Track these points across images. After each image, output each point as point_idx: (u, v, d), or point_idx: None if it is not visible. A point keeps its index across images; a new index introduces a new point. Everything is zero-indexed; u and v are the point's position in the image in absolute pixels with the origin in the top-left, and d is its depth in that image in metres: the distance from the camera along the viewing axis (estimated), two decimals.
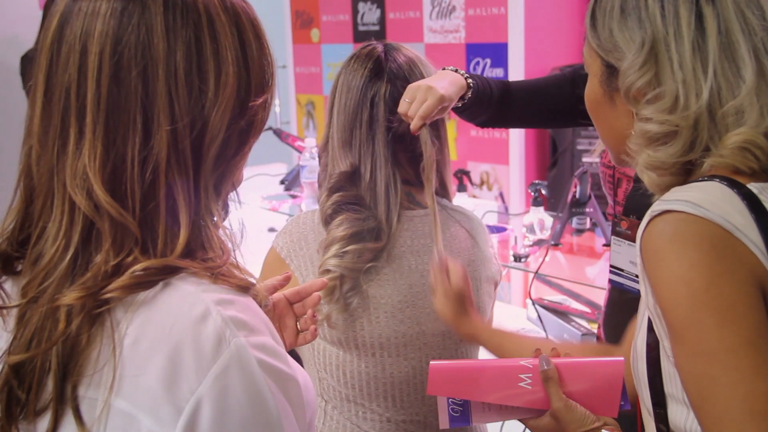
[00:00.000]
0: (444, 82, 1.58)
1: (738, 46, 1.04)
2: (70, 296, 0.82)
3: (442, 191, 1.67)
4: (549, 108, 1.84)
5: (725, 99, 1.03)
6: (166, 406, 0.79)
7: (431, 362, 1.21)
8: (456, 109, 1.72)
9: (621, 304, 1.83)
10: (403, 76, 1.59)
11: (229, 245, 0.91)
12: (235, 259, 0.91)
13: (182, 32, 0.85)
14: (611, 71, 1.12)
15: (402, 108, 1.53)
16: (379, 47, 1.63)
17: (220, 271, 0.86)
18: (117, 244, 0.84)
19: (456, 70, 1.66)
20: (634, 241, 1.69)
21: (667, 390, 1.05)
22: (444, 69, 1.67)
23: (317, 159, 1.69)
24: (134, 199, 0.84)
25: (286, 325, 1.31)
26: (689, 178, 1.07)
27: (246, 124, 0.91)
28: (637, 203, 1.75)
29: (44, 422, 0.85)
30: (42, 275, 0.85)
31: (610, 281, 1.87)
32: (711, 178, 1.02)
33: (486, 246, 1.68)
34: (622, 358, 1.20)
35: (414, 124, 1.51)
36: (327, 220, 1.56)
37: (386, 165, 1.55)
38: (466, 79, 1.65)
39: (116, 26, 0.84)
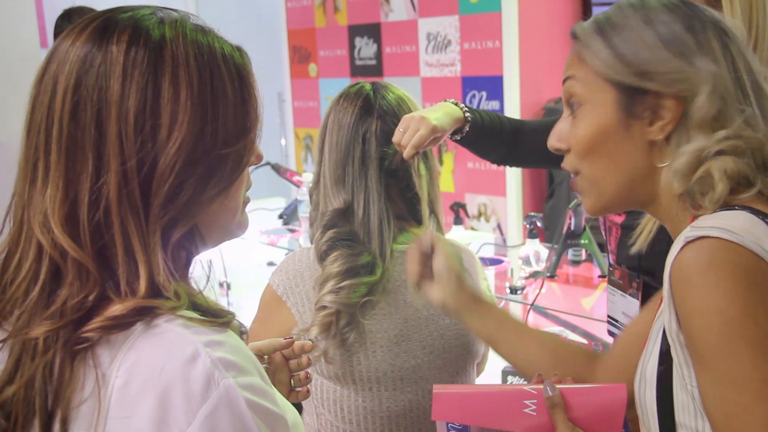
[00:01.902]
0: (438, 113, 1.61)
1: (763, 82, 1.08)
2: (38, 330, 0.84)
3: (435, 224, 1.69)
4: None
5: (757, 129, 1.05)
6: None
7: (435, 387, 1.20)
8: (463, 143, 1.74)
9: None
10: (392, 112, 1.62)
11: (201, 286, 0.91)
12: (215, 297, 0.92)
13: (139, 76, 0.85)
14: (634, 99, 1.08)
15: (396, 138, 1.56)
16: (367, 85, 1.66)
17: (200, 308, 0.88)
18: (80, 282, 0.85)
19: (456, 103, 1.69)
20: (626, 291, 1.69)
21: (678, 419, 1.05)
22: (446, 101, 1.70)
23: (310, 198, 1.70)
24: (86, 237, 0.85)
25: (280, 381, 1.31)
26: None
27: (206, 171, 0.89)
28: (625, 254, 1.70)
29: None
30: (10, 307, 0.87)
31: (609, 332, 1.84)
32: (731, 207, 1.02)
33: (479, 278, 1.70)
34: (624, 384, 1.19)
35: (407, 153, 1.54)
36: (322, 257, 1.58)
37: (379, 200, 1.58)
38: (464, 112, 1.68)
39: (80, 68, 0.86)
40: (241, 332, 0.93)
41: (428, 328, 1.60)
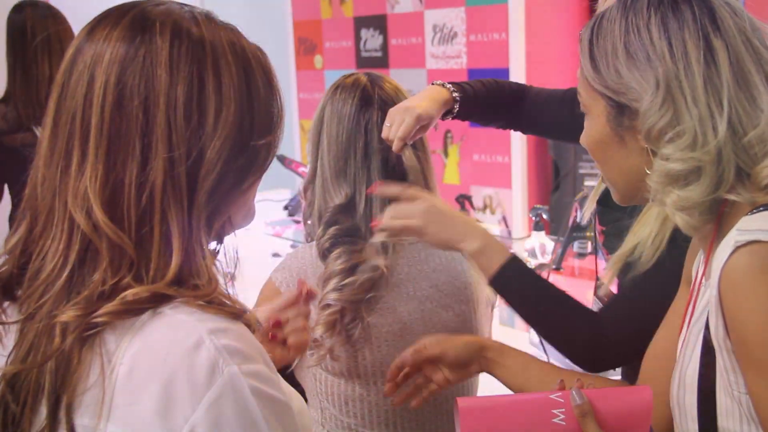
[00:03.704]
0: (423, 100, 1.60)
1: (751, 76, 1.03)
2: (67, 314, 0.85)
3: None
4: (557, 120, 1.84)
5: (746, 130, 1.01)
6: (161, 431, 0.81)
7: (459, 401, 1.16)
8: (461, 119, 1.74)
9: None
10: (392, 102, 1.60)
11: (220, 277, 0.92)
12: (227, 289, 0.93)
13: (185, 67, 0.88)
14: (620, 111, 1.09)
15: (384, 133, 1.55)
16: (362, 76, 1.64)
17: (211, 299, 0.88)
18: (113, 266, 0.86)
19: (443, 84, 1.68)
20: None
21: (721, 424, 1.04)
22: (433, 84, 1.69)
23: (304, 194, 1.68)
24: (130, 222, 0.86)
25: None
26: (717, 215, 1.05)
27: (246, 162, 0.93)
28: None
29: None
30: (40, 291, 0.88)
31: None
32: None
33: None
34: (648, 385, 1.17)
35: (395, 146, 1.53)
36: (324, 254, 1.57)
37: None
38: (451, 92, 1.68)
39: (123, 57, 0.88)
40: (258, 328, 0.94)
41: (432, 321, 1.60)
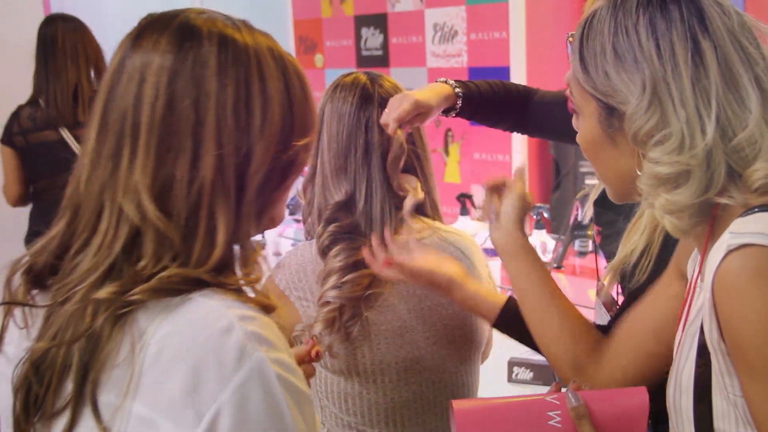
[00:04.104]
0: (424, 90, 1.61)
1: (739, 77, 1.01)
2: (104, 290, 0.89)
3: (433, 213, 1.68)
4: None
5: (735, 131, 1.00)
6: (188, 410, 0.84)
7: (454, 404, 1.16)
8: (465, 117, 1.74)
9: None
10: None
11: (264, 269, 0.98)
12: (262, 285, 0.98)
13: (232, 71, 0.94)
14: (610, 112, 1.08)
15: (383, 119, 1.55)
16: (362, 75, 1.65)
17: (242, 290, 0.93)
18: (156, 256, 0.90)
19: (446, 81, 1.69)
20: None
21: (717, 426, 1.03)
22: (437, 81, 1.70)
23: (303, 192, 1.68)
24: (179, 215, 0.91)
25: None
26: (711, 217, 1.04)
27: (287, 161, 0.99)
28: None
29: (59, 425, 0.90)
30: (78, 278, 0.91)
31: None
32: (762, 209, 0.99)
33: (481, 265, 1.69)
34: (644, 387, 1.17)
35: (390, 128, 1.53)
36: (324, 252, 1.57)
37: (382, 189, 1.57)
38: (454, 88, 1.68)
39: (172, 61, 0.93)
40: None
41: (431, 319, 1.60)
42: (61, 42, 3.36)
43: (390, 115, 1.54)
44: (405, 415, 1.60)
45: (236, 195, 0.93)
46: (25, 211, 3.50)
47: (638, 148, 1.05)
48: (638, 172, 1.06)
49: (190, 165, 0.91)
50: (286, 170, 1.00)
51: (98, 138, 0.95)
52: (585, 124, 1.14)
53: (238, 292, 0.93)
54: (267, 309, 0.93)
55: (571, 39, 1.19)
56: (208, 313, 0.88)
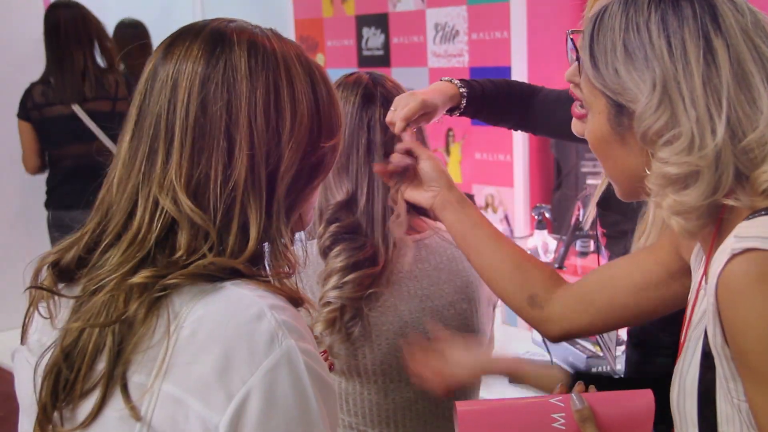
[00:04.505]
0: (429, 90, 1.62)
1: (752, 77, 0.99)
2: (139, 276, 0.92)
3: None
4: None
5: (745, 132, 0.98)
6: (218, 391, 0.87)
7: (457, 404, 1.16)
8: (468, 116, 1.74)
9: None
10: (393, 100, 1.60)
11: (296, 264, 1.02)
12: (296, 283, 1.02)
13: (262, 74, 0.98)
14: (620, 110, 1.07)
15: (388, 117, 1.55)
16: (365, 75, 1.65)
17: (273, 282, 0.97)
18: (190, 247, 0.94)
19: (450, 80, 1.69)
20: None
21: (722, 430, 1.03)
22: (441, 80, 1.70)
23: None
24: (213, 212, 0.95)
25: None
26: (717, 219, 1.03)
27: (316, 162, 1.03)
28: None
29: (86, 407, 0.92)
30: (108, 272, 0.95)
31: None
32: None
33: None
34: (650, 389, 1.16)
35: (398, 127, 1.53)
36: (325, 252, 1.57)
37: (383, 187, 1.56)
38: (459, 87, 1.68)
39: (204, 66, 0.97)
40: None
41: (432, 319, 1.60)
42: (64, 29, 3.62)
43: (396, 114, 1.53)
44: (406, 416, 1.59)
45: (267, 194, 0.97)
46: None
47: (647, 147, 1.04)
48: (647, 171, 1.05)
49: (223, 165, 0.95)
50: (314, 171, 1.04)
51: (132, 142, 0.99)
52: (594, 121, 1.12)
53: (269, 284, 0.96)
54: (296, 302, 0.97)
55: (571, 35, 1.18)
56: (240, 299, 0.92)
